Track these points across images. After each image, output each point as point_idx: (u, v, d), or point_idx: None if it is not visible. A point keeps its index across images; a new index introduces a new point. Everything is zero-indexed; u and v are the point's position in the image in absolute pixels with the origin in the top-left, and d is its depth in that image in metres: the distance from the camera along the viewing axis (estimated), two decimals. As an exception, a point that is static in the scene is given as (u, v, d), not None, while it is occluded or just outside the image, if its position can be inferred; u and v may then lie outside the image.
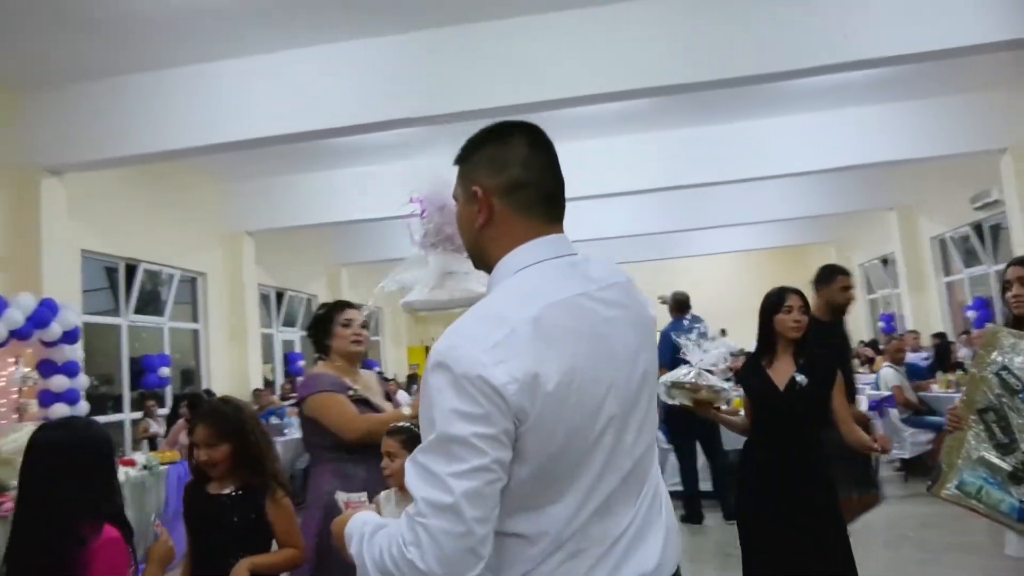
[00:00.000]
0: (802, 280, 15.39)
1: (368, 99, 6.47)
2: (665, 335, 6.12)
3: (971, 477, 2.44)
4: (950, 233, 11.83)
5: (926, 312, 12.43)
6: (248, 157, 8.70)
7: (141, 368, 8.68)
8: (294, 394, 10.73)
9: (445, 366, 1.09)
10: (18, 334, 5.79)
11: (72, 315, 6.36)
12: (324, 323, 2.90)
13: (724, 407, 3.03)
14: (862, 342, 11.97)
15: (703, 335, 2.88)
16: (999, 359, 2.45)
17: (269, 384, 11.26)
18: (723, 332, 14.38)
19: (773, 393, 2.85)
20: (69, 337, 6.39)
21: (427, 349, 19.78)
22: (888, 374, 6.64)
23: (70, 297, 7.10)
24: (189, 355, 10.08)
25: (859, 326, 15.17)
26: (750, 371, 2.96)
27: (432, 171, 2.29)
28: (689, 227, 13.95)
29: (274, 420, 8.36)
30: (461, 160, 1.31)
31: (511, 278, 1.21)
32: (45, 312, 6.06)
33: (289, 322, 12.95)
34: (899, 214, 12.84)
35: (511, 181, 1.23)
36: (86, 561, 1.77)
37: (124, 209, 8.40)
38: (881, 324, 14.27)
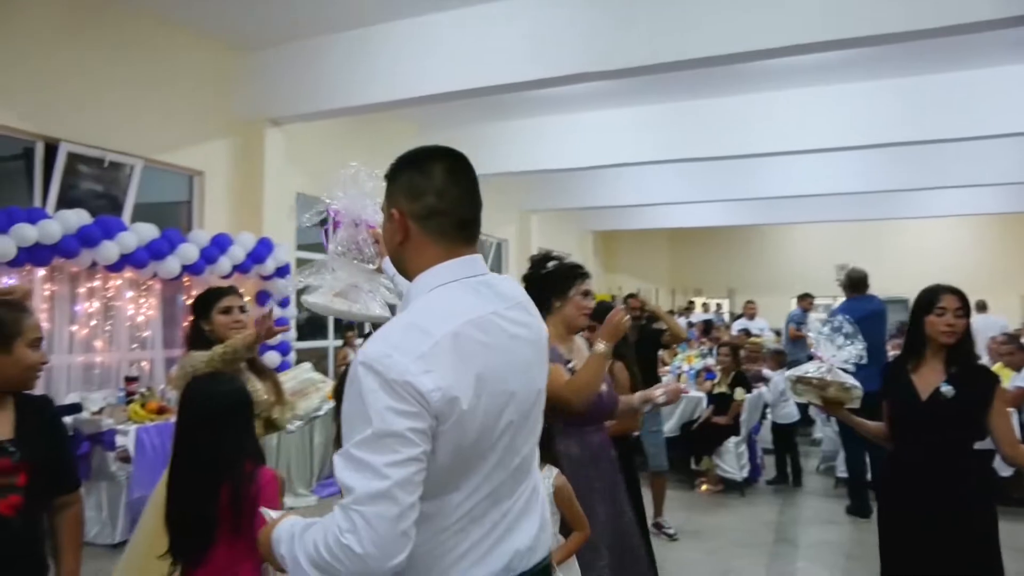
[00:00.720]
0: None
1: (559, 53, 6.45)
2: (792, 319, 5.69)
3: None
4: None
5: None
6: (450, 107, 9.11)
7: (344, 302, 9.52)
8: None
9: (377, 372, 1.20)
10: (240, 268, 6.62)
11: (284, 252, 7.12)
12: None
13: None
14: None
15: (837, 329, 2.61)
16: None
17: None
18: (982, 306, 12.98)
19: (913, 402, 2.54)
20: (281, 272, 7.19)
21: (613, 298, 19.81)
22: None
23: (285, 236, 7.97)
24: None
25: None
26: (893, 375, 2.65)
27: (354, 180, 2.39)
28: (918, 186, 12.50)
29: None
30: (388, 179, 1.44)
31: (428, 294, 1.34)
32: (262, 249, 6.85)
33: (479, 265, 13.54)
34: None
35: (426, 208, 1.36)
36: (254, 498, 1.93)
37: (335, 156, 9.09)
38: None
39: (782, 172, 12.15)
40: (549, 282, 2.62)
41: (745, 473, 5.94)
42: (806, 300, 7.50)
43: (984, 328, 10.03)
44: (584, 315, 2.62)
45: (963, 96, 8.09)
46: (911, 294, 2.72)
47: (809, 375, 2.60)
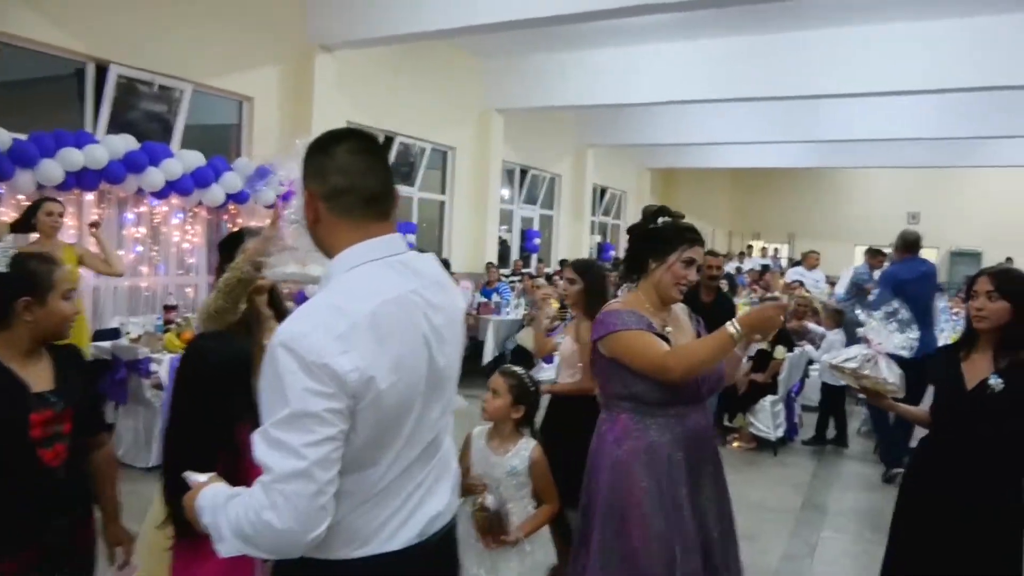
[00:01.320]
0: None
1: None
2: (888, 278, 5.38)
3: None
4: None
5: None
6: (506, 36, 8.82)
7: (391, 234, 9.56)
8: (526, 270, 11.26)
9: (294, 352, 1.23)
10: (285, 198, 6.64)
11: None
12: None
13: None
14: None
15: (892, 314, 2.42)
16: None
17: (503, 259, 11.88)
18: (1009, 260, 12.29)
19: (958, 391, 2.37)
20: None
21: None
22: None
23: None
24: (435, 224, 10.89)
25: None
26: (943, 360, 2.49)
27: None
28: (994, 134, 11.69)
29: (495, 298, 8.82)
30: (303, 164, 1.45)
31: (346, 274, 1.36)
32: (307, 180, 6.85)
33: (530, 199, 13.36)
34: None
35: (332, 188, 1.38)
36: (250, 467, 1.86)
37: (385, 85, 9.02)
38: None
39: (849, 114, 11.51)
40: (652, 239, 2.23)
41: (780, 432, 5.82)
42: (877, 257, 6.96)
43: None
44: (680, 286, 2.20)
45: None
46: (981, 247, 2.51)
47: (847, 364, 2.45)
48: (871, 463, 5.69)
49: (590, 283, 3.21)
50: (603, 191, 16.18)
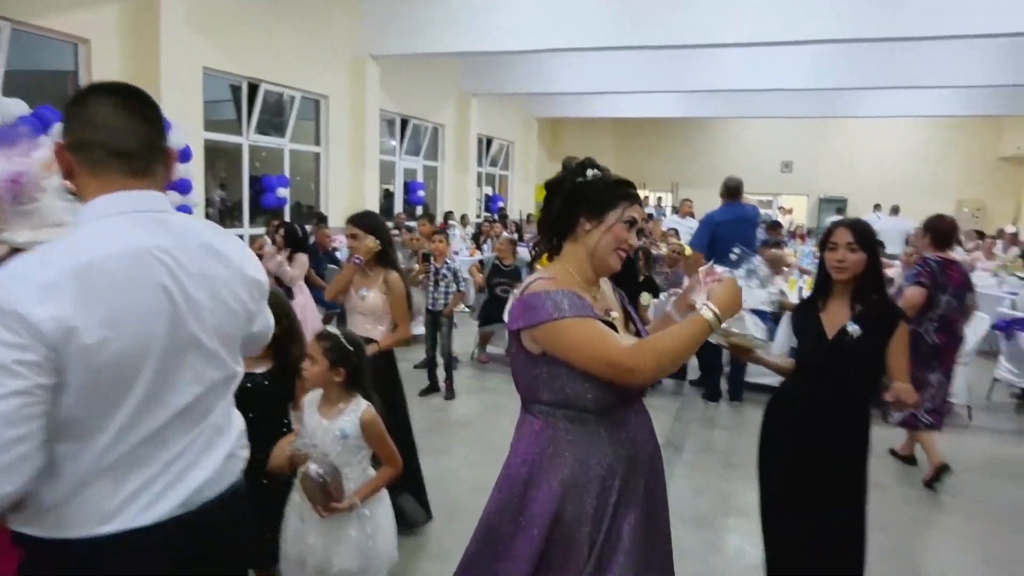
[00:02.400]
0: (992, 156, 13.83)
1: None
2: (709, 219, 5.78)
3: None
4: None
5: None
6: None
7: (261, 187, 9.11)
8: (411, 223, 11.04)
9: None
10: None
11: (181, 135, 6.62)
12: None
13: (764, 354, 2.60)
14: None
15: (752, 272, 2.44)
16: None
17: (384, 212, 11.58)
18: (895, 209, 13.12)
19: (820, 340, 2.49)
20: (180, 156, 6.71)
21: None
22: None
23: (190, 114, 7.43)
24: (310, 177, 10.46)
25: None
26: (803, 312, 2.61)
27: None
28: (865, 85, 12.29)
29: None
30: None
31: (87, 225, 1.32)
32: (154, 131, 6.33)
33: (413, 150, 13.04)
34: None
35: (77, 140, 1.36)
36: None
37: (248, 27, 8.44)
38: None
39: (728, 65, 11.79)
40: (582, 195, 1.83)
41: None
42: (684, 205, 7.24)
43: (889, 231, 10.22)
44: (621, 252, 1.82)
45: None
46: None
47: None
48: (734, 405, 5.96)
49: (382, 237, 3.33)
50: (489, 141, 16.02)
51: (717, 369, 6.02)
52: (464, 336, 7.39)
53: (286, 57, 9.06)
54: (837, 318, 2.47)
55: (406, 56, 10.61)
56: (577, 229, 1.81)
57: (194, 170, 7.26)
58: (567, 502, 1.71)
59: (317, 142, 10.30)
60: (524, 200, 17.52)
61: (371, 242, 3.33)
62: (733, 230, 5.44)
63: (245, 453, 1.55)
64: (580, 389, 1.70)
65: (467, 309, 7.68)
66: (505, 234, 8.80)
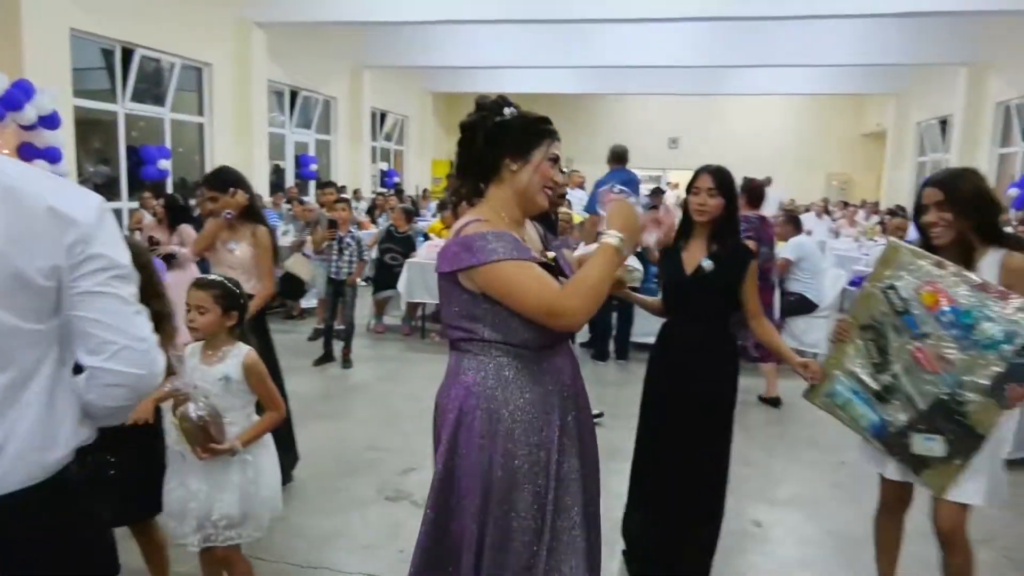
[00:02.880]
0: (856, 132, 14.79)
1: None
2: (598, 186, 6.11)
3: (842, 388, 2.38)
4: (1018, 101, 10.71)
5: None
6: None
7: (140, 159, 8.68)
8: (302, 197, 10.79)
9: None
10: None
11: (47, 99, 6.23)
12: None
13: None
14: (890, 209, 11.33)
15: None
16: (890, 277, 2.24)
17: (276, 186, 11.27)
18: (768, 180, 13.89)
19: (680, 276, 2.70)
20: (47, 122, 6.32)
21: (452, 163, 19.53)
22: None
23: (57, 80, 6.97)
24: (194, 149, 10.04)
25: (904, 190, 14.36)
26: (667, 251, 2.78)
27: None
28: (743, 63, 12.94)
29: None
30: None
31: None
32: (16, 94, 5.94)
33: (304, 123, 12.72)
34: (969, 72, 11.63)
35: None
36: None
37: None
38: (923, 190, 13.44)
39: (619, 41, 12.11)
40: (504, 135, 1.77)
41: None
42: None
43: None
44: (548, 191, 1.80)
45: None
46: (732, 169, 2.77)
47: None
48: (620, 364, 6.24)
49: (246, 190, 3.42)
50: (383, 115, 15.81)
51: (606, 331, 6.31)
52: (358, 308, 7.37)
53: (164, 21, 8.62)
54: (696, 256, 2.68)
55: (295, 24, 10.31)
56: (502, 170, 1.77)
57: (64, 138, 6.85)
58: (513, 435, 1.71)
59: (200, 112, 9.88)
60: (420, 175, 17.42)
61: (240, 196, 3.37)
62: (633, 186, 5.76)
63: (48, 456, 1.23)
64: (519, 321, 1.69)
65: (363, 283, 7.63)
66: (400, 205, 8.78)
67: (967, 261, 2.20)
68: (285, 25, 10.25)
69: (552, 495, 1.74)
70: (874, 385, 2.30)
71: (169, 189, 8.97)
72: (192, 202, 6.91)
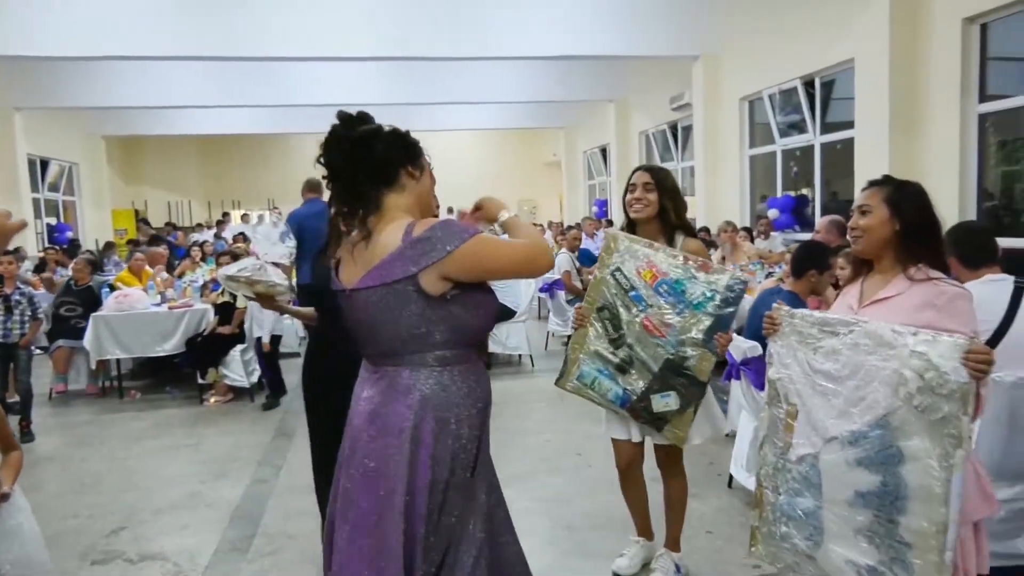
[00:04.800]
0: (539, 161, 16.30)
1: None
2: (291, 216, 6.16)
3: (588, 368, 2.67)
4: (653, 129, 12.89)
5: (631, 201, 13.63)
6: None
7: None
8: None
9: None
10: None
11: None
12: None
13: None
14: (568, 226, 12.87)
15: (285, 233, 2.73)
16: (615, 261, 2.62)
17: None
18: (450, 210, 14.82)
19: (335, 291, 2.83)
20: None
21: (137, 212, 17.86)
22: (562, 259, 7.20)
23: None
24: None
25: (580, 210, 16.34)
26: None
27: None
28: (433, 101, 13.68)
29: None
30: None
31: None
32: None
33: (-61, 174, 10.75)
34: (617, 107, 13.70)
35: None
36: None
37: None
38: (595, 208, 15.47)
39: (310, 80, 12.12)
40: (402, 142, 1.82)
41: (254, 378, 5.99)
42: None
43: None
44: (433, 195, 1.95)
45: (471, 17, 8.99)
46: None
47: (240, 273, 2.65)
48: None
49: None
50: (44, 163, 13.93)
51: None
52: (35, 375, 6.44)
53: None
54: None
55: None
56: (402, 178, 1.78)
57: None
58: (461, 433, 1.73)
59: None
60: (100, 227, 15.63)
61: None
62: (315, 223, 5.73)
63: None
64: (472, 322, 1.74)
65: (38, 351, 6.60)
66: (82, 256, 7.86)
67: (669, 239, 2.67)
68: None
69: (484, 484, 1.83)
70: (614, 359, 2.61)
71: None
72: None
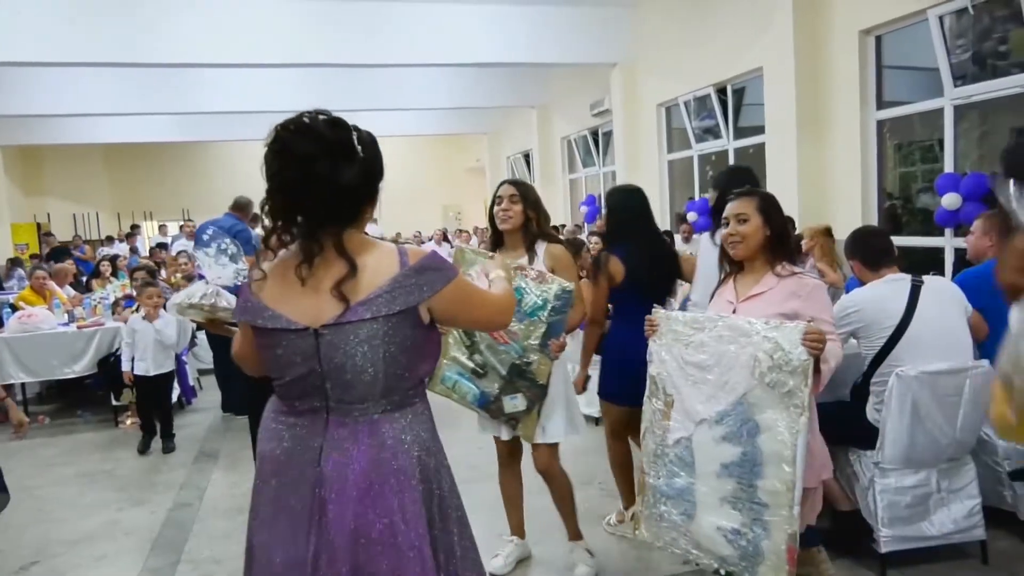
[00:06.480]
0: (463, 167, 16.34)
1: None
2: (201, 229, 6.12)
3: (451, 373, 2.81)
4: (574, 135, 13.09)
5: (555, 206, 13.81)
6: None
7: None
8: None
9: None
10: None
11: None
12: None
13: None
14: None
15: (224, 251, 2.63)
16: (464, 273, 2.70)
17: None
18: (374, 221, 14.76)
19: None
20: None
21: (39, 225, 16.90)
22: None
23: None
24: None
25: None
26: None
27: None
28: (355, 107, 13.46)
29: None
30: None
31: None
32: None
33: None
34: (538, 113, 13.85)
35: None
36: None
37: None
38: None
39: (222, 86, 11.78)
40: (375, 170, 1.67)
41: (174, 398, 5.77)
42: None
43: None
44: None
45: (391, 24, 8.93)
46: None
47: (203, 301, 2.54)
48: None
49: None
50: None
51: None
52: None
53: None
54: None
55: None
56: (364, 214, 1.62)
57: None
58: (440, 473, 1.62)
59: None
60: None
61: None
62: (244, 236, 5.76)
63: None
64: (436, 352, 1.67)
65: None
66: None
67: (530, 246, 2.84)
68: None
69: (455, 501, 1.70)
70: (470, 364, 2.77)
71: None
72: None
